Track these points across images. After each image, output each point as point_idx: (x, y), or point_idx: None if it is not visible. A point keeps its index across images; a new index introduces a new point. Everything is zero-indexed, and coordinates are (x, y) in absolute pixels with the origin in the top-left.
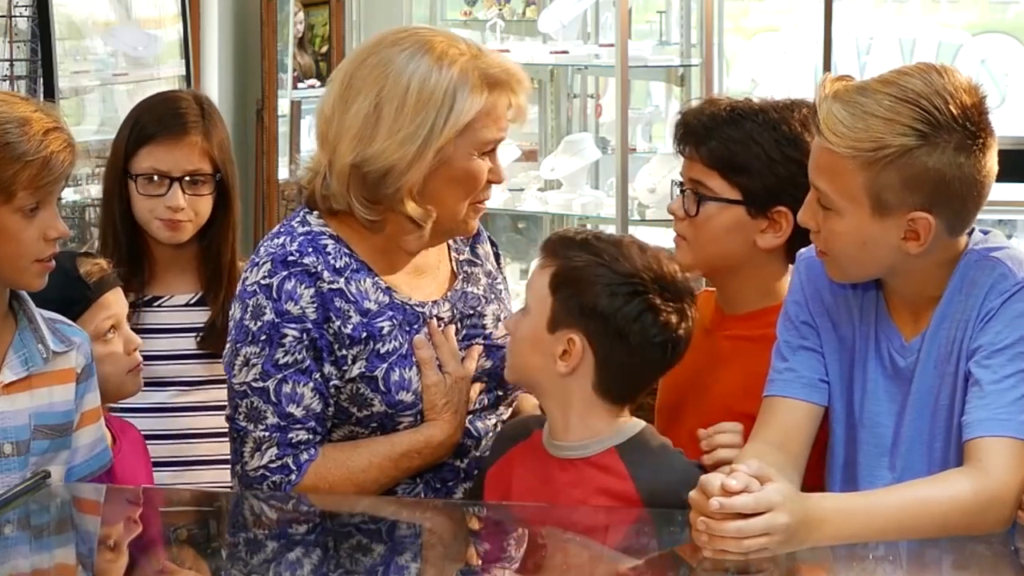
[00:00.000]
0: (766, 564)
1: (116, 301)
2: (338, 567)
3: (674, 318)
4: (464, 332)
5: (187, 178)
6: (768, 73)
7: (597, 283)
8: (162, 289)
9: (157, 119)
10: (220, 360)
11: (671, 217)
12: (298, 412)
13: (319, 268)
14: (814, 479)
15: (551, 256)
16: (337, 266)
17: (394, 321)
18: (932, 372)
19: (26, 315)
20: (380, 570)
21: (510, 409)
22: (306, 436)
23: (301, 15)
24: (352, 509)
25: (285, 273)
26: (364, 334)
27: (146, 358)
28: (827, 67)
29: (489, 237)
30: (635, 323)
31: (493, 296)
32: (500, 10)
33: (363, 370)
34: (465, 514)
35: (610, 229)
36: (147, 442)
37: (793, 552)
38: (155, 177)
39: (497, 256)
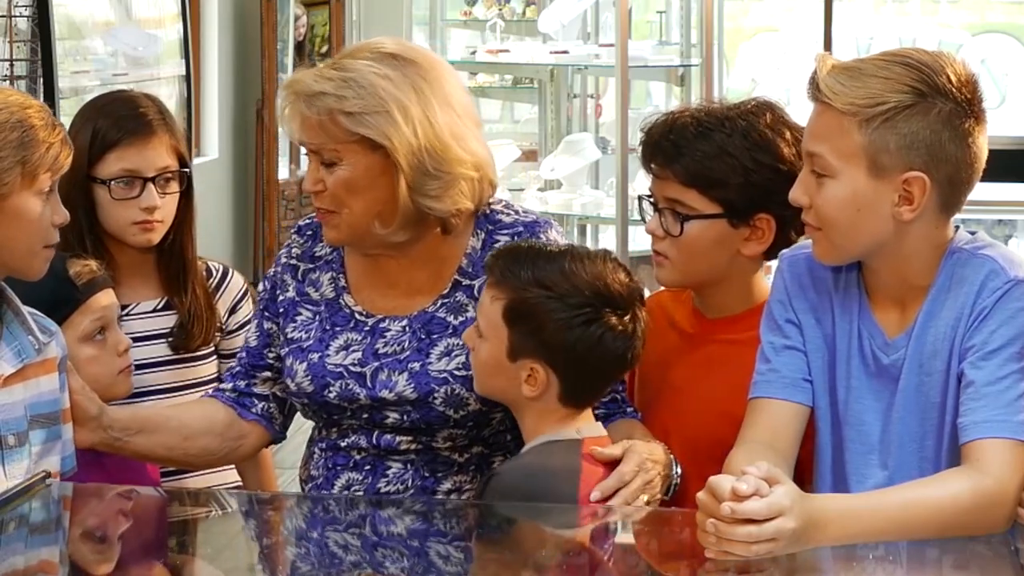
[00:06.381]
0: (767, 564)
1: (106, 302)
2: (335, 567)
3: (630, 328)
4: (406, 354)
5: (159, 177)
6: (768, 73)
7: (551, 319)
8: (128, 297)
9: (118, 122)
10: (190, 365)
11: None
12: (242, 342)
13: (296, 246)
14: (798, 481)
15: (500, 284)
16: (318, 253)
17: (316, 316)
18: (919, 370)
19: (11, 308)
20: (378, 570)
21: (448, 447)
22: (236, 367)
23: (304, 20)
24: (346, 508)
25: (287, 240)
26: (282, 310)
27: None
28: None
29: None
30: (595, 348)
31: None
32: (500, 10)
33: (281, 343)
34: (454, 514)
35: (610, 229)
36: None
37: (793, 552)
38: (127, 180)
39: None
